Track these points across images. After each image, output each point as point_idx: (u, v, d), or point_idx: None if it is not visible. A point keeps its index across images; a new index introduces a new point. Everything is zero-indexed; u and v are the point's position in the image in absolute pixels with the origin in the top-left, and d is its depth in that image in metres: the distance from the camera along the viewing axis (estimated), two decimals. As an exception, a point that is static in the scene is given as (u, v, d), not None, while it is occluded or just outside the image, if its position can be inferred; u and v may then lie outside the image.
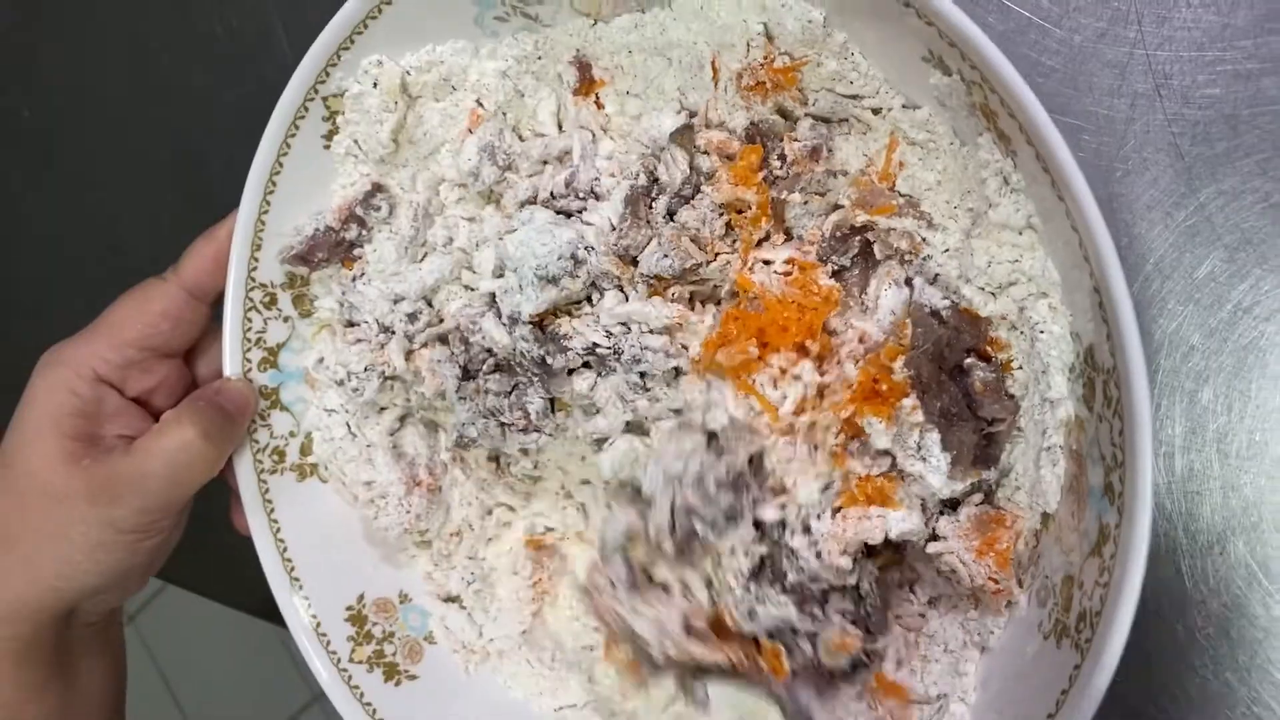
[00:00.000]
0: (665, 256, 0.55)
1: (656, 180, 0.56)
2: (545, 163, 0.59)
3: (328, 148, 0.60)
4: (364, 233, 0.61)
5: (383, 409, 0.64)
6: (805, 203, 0.56)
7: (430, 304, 0.61)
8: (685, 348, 0.56)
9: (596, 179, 0.57)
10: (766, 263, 0.56)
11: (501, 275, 0.58)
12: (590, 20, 0.58)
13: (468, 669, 0.65)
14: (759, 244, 0.56)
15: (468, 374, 0.60)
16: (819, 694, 0.56)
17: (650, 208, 0.56)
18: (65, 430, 0.57)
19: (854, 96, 0.55)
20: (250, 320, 0.61)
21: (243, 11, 0.75)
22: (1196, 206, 0.55)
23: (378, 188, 0.61)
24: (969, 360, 0.54)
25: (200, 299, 0.61)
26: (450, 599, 0.65)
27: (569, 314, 0.58)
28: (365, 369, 0.61)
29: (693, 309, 0.57)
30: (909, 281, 0.54)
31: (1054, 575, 0.51)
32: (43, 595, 0.56)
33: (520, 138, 0.60)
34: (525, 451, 0.63)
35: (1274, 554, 0.55)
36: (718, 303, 0.58)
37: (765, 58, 0.55)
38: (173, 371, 0.62)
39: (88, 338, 0.59)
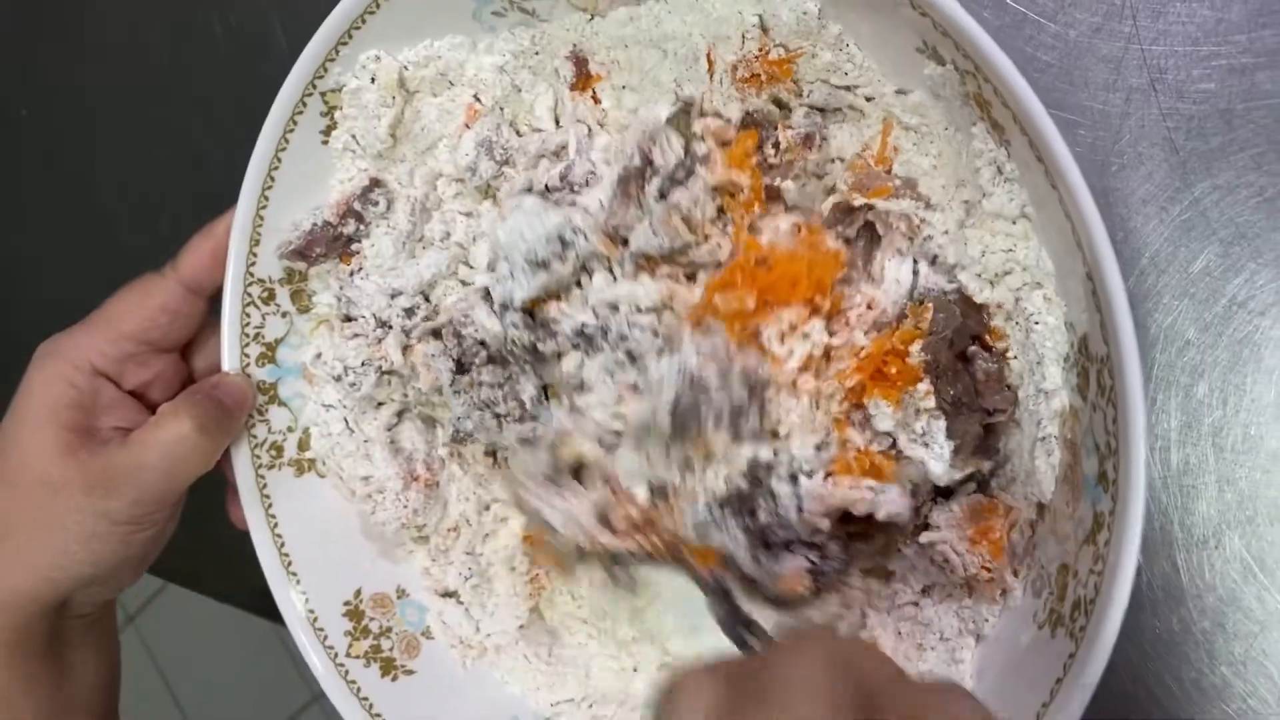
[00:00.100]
0: (655, 235, 0.56)
1: (651, 163, 0.56)
2: (542, 157, 0.59)
3: (326, 143, 0.60)
4: (362, 228, 0.61)
5: (380, 404, 0.64)
6: (804, 186, 0.56)
7: (428, 299, 0.62)
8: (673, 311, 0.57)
9: (592, 172, 0.57)
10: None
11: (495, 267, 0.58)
12: (587, 15, 0.58)
13: (465, 664, 0.65)
14: (762, 216, 0.57)
15: (461, 368, 0.60)
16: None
17: (643, 189, 0.56)
18: (62, 422, 0.57)
19: (849, 88, 0.55)
20: (248, 315, 0.61)
21: (241, 9, 0.75)
22: (1191, 201, 0.55)
23: (375, 183, 0.61)
24: (972, 349, 0.54)
25: (198, 294, 0.61)
26: (447, 594, 0.65)
27: (558, 299, 0.58)
28: (362, 364, 0.61)
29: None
30: (915, 265, 0.55)
31: (1049, 565, 0.51)
32: (36, 585, 0.56)
33: (518, 133, 0.61)
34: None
35: (1269, 548, 0.55)
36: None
37: (760, 50, 0.55)
38: (169, 366, 0.62)
39: (85, 330, 0.59)
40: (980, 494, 0.55)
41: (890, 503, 0.54)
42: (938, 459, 0.52)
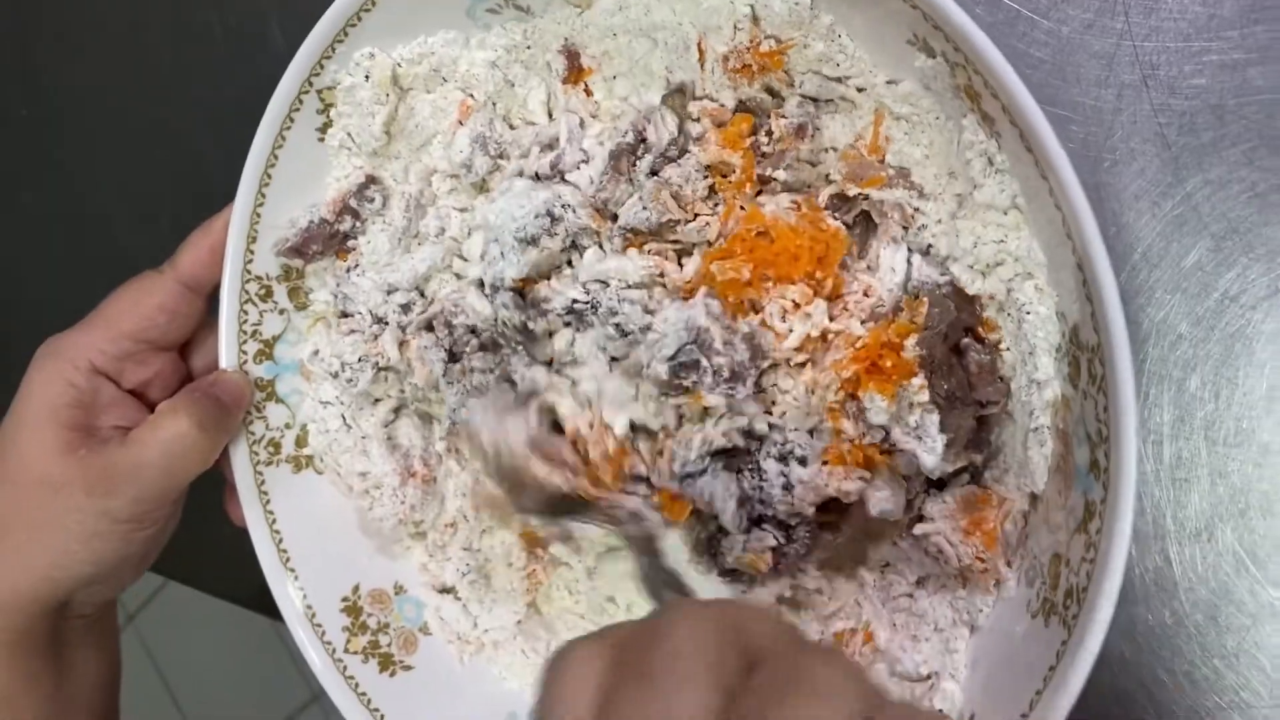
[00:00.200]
0: (644, 209, 0.56)
1: (644, 139, 0.57)
2: (535, 148, 0.59)
3: (322, 140, 0.61)
4: (358, 224, 0.62)
5: (377, 400, 0.65)
6: (797, 175, 0.56)
7: (423, 294, 0.62)
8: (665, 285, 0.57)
9: (584, 160, 0.58)
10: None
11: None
12: (578, 9, 0.58)
13: (462, 659, 0.65)
14: (758, 194, 0.57)
15: (453, 357, 0.61)
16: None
17: (634, 165, 0.57)
18: (62, 421, 0.57)
19: (840, 78, 0.56)
20: (246, 313, 0.61)
21: (240, 9, 0.75)
22: (1183, 196, 0.56)
23: (371, 180, 0.61)
24: (965, 341, 0.54)
25: (196, 292, 0.61)
26: (445, 590, 0.66)
27: (548, 279, 0.59)
28: (359, 360, 0.62)
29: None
30: (909, 255, 0.55)
31: (1042, 555, 0.51)
32: (37, 585, 0.57)
33: (511, 126, 0.61)
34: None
35: (1261, 541, 0.55)
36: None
37: (751, 41, 0.55)
38: (168, 364, 0.62)
39: (84, 330, 0.60)
40: (973, 485, 0.55)
41: (883, 500, 0.54)
42: (930, 452, 0.52)
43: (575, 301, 0.57)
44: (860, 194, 0.55)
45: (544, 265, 0.59)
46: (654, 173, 0.57)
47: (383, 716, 0.61)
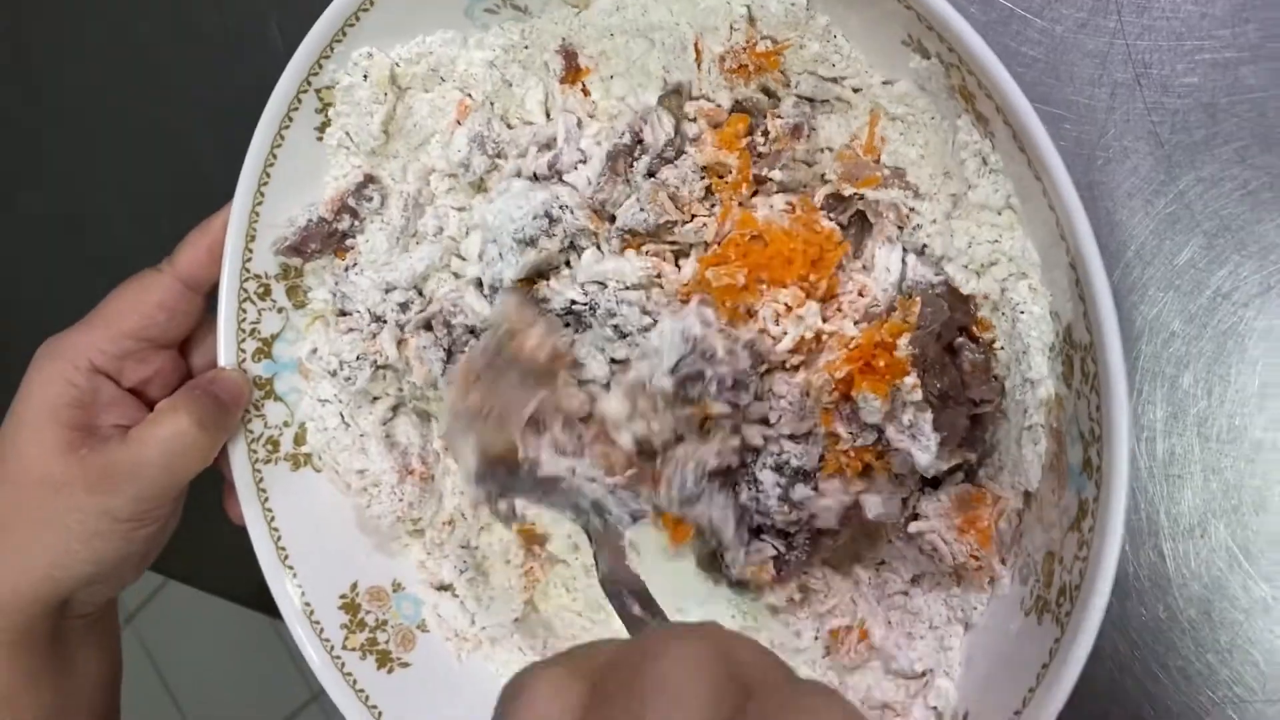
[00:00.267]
0: (642, 210, 0.56)
1: (640, 140, 0.57)
2: (533, 148, 0.60)
3: (320, 139, 0.61)
4: (356, 223, 0.62)
5: (375, 399, 0.65)
6: (793, 174, 0.56)
7: (421, 293, 0.62)
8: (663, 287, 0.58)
9: (581, 160, 0.58)
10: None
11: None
12: (575, 9, 0.58)
13: (460, 657, 0.65)
14: (753, 194, 0.57)
15: (452, 357, 0.61)
16: None
17: (631, 166, 0.57)
18: (62, 420, 0.57)
19: (836, 79, 0.56)
20: (244, 311, 0.62)
21: (239, 8, 0.75)
22: (1176, 194, 0.56)
23: (369, 179, 0.61)
24: (959, 340, 0.54)
25: (195, 290, 0.61)
26: (443, 587, 0.66)
27: (546, 279, 0.59)
28: (357, 358, 0.62)
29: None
30: (904, 255, 0.55)
31: (1036, 553, 0.52)
32: (39, 584, 0.57)
33: (509, 126, 0.61)
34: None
35: (1254, 537, 0.55)
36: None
37: (748, 41, 0.55)
38: (168, 362, 0.62)
39: (84, 329, 0.60)
40: (968, 483, 0.56)
41: (879, 504, 0.55)
42: (924, 451, 0.53)
43: (574, 302, 0.58)
44: (856, 194, 0.56)
45: (542, 266, 0.59)
46: (651, 174, 0.58)
47: (380, 713, 0.61)
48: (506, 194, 0.58)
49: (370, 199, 0.61)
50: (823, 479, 0.56)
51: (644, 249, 0.58)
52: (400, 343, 0.62)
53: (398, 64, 0.60)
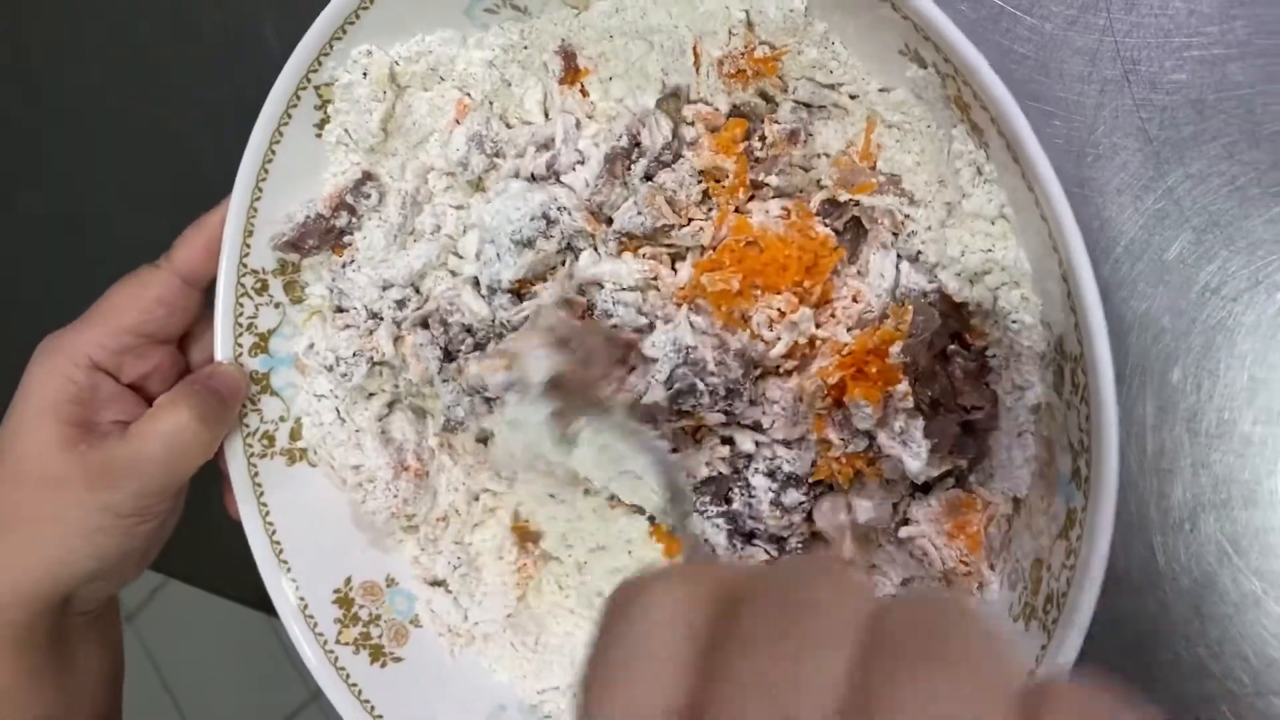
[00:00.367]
0: (639, 214, 0.57)
1: (638, 143, 0.57)
2: (531, 147, 0.60)
3: (319, 136, 0.61)
4: (354, 220, 0.62)
5: (371, 395, 0.65)
6: (790, 180, 0.57)
7: (419, 291, 0.63)
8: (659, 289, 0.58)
9: (579, 161, 0.58)
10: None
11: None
12: (575, 10, 0.59)
13: (453, 652, 0.65)
14: (750, 199, 0.58)
15: (449, 355, 0.61)
16: None
17: (629, 169, 0.57)
18: (62, 416, 0.58)
19: (833, 85, 0.56)
20: (242, 306, 0.62)
21: (239, 8, 0.76)
22: (1165, 190, 0.56)
23: (368, 176, 0.62)
24: (951, 348, 0.55)
25: (193, 285, 0.62)
26: (436, 583, 0.66)
27: (544, 280, 0.59)
28: (354, 354, 0.62)
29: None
30: (898, 262, 0.55)
31: (1024, 560, 0.52)
32: (40, 581, 0.57)
33: (508, 125, 0.62)
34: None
35: (1243, 530, 0.55)
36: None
37: (746, 46, 0.56)
38: (166, 358, 0.63)
39: (83, 325, 0.60)
40: (958, 489, 0.56)
41: (869, 509, 0.55)
42: (915, 457, 0.53)
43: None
44: (851, 200, 0.56)
45: (540, 267, 0.60)
46: (648, 177, 0.58)
47: (373, 707, 0.61)
48: (504, 195, 0.58)
49: (368, 196, 0.62)
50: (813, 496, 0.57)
51: (641, 252, 0.58)
52: (397, 340, 0.62)
53: (397, 62, 0.60)
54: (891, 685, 0.25)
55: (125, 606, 1.88)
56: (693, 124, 0.58)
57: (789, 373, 0.56)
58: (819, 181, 0.57)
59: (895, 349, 0.53)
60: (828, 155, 0.57)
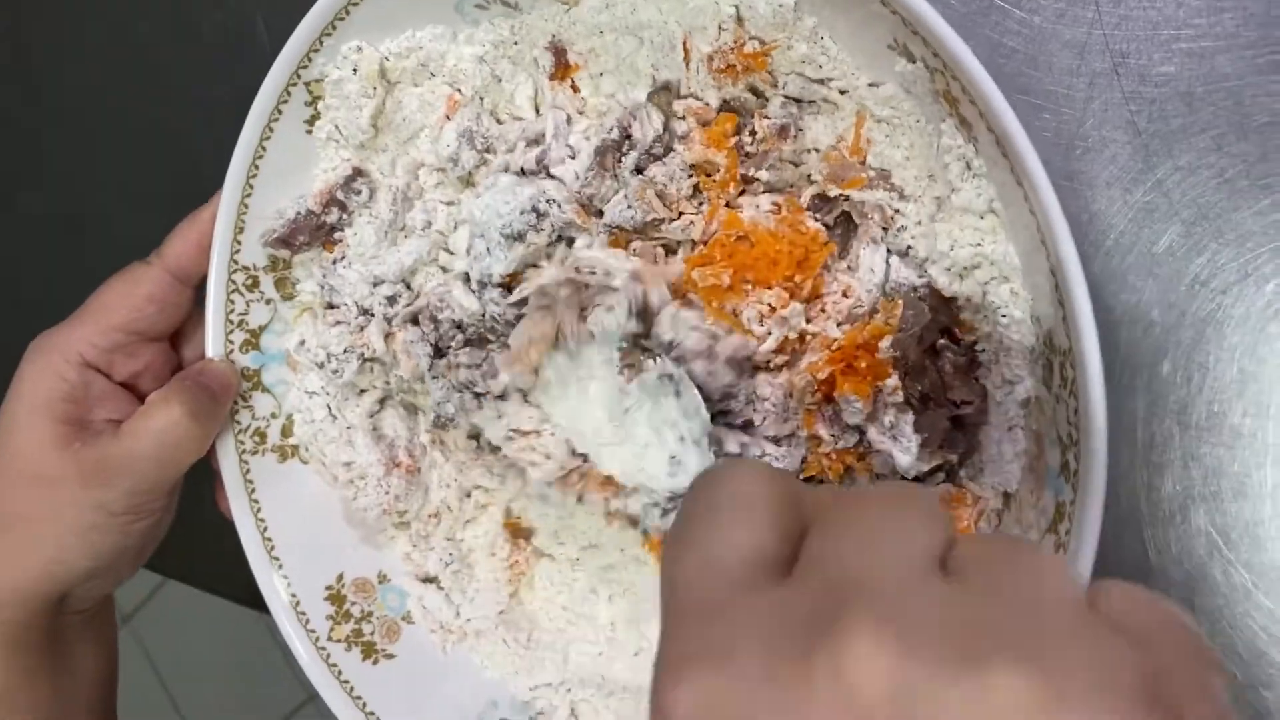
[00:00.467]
0: (629, 207, 0.57)
1: (629, 136, 0.57)
2: (522, 143, 0.60)
3: (310, 132, 0.61)
4: (345, 217, 0.62)
5: (363, 391, 0.65)
6: (780, 175, 0.57)
7: (409, 287, 0.63)
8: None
9: (570, 156, 0.58)
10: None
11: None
12: (565, 6, 0.59)
13: (445, 649, 0.65)
14: (740, 193, 0.58)
15: (439, 352, 0.61)
16: None
17: (619, 161, 0.57)
18: (55, 415, 0.58)
19: (823, 80, 0.56)
20: (233, 302, 0.62)
21: (240, 8, 0.76)
22: (1154, 183, 0.56)
23: (358, 172, 0.62)
24: (941, 342, 0.55)
25: (184, 282, 0.62)
26: (428, 579, 0.66)
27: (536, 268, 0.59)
28: (345, 351, 0.62)
29: (655, 264, 0.58)
30: (888, 258, 0.56)
31: None
32: (36, 580, 0.57)
33: (498, 121, 0.62)
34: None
35: (1233, 522, 0.55)
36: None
37: (736, 41, 0.56)
38: (159, 355, 0.63)
39: (74, 324, 0.60)
40: (949, 484, 0.56)
41: None
42: (905, 452, 0.53)
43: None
44: (841, 195, 0.56)
45: (531, 260, 0.60)
46: (639, 170, 0.58)
47: (365, 704, 0.61)
48: (493, 189, 0.58)
49: (359, 192, 0.62)
50: None
51: (631, 246, 0.58)
52: (387, 336, 0.62)
53: (387, 58, 0.60)
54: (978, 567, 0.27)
55: (123, 607, 1.88)
56: (683, 118, 0.58)
57: (779, 368, 0.56)
58: (809, 176, 0.57)
59: (885, 343, 0.53)
60: (818, 150, 0.57)
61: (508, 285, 0.59)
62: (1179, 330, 0.56)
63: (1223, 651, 0.55)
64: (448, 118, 0.61)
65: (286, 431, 0.64)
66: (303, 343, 0.63)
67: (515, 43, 0.60)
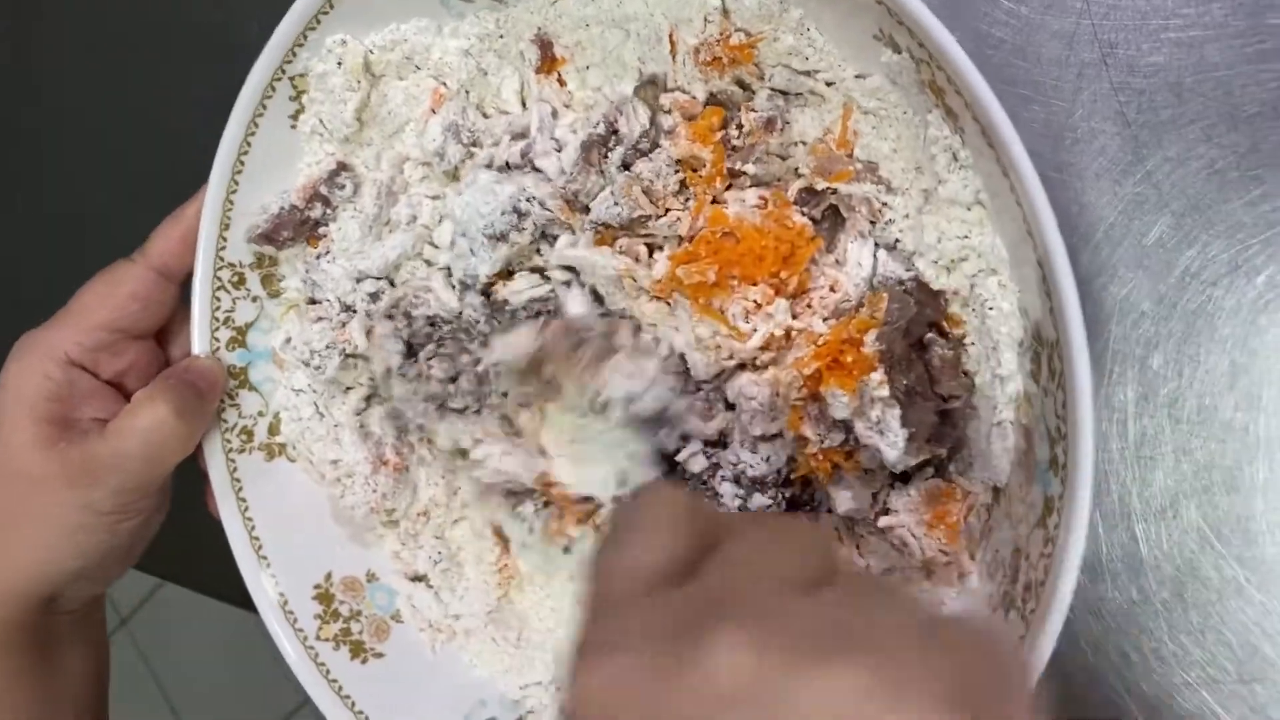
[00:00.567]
0: (615, 204, 0.56)
1: (615, 131, 0.57)
2: (507, 136, 0.60)
3: (294, 127, 0.61)
4: (329, 211, 0.62)
5: (349, 389, 0.65)
6: (767, 168, 0.57)
7: (393, 283, 0.62)
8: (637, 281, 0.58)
9: (557, 150, 0.58)
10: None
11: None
12: (550, -1, 0.59)
13: (434, 647, 0.65)
14: (728, 187, 0.57)
15: (411, 350, 0.61)
16: None
17: (605, 157, 0.57)
18: (40, 414, 0.57)
19: (809, 72, 0.56)
20: (219, 300, 0.62)
21: (239, 8, 0.75)
22: (1144, 174, 0.56)
23: (342, 166, 0.61)
24: (929, 336, 0.54)
25: (169, 279, 0.61)
26: (417, 578, 0.66)
27: (512, 274, 0.59)
28: (327, 347, 0.62)
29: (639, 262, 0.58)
30: (875, 252, 0.55)
31: (1004, 549, 0.51)
32: (24, 581, 0.57)
33: (484, 115, 0.61)
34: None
35: (1225, 517, 0.55)
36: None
37: (722, 34, 0.56)
38: (144, 353, 0.62)
39: (59, 322, 0.60)
40: (938, 478, 0.55)
41: (848, 499, 0.55)
42: (893, 446, 0.52)
43: (533, 301, 0.58)
44: (829, 188, 0.56)
45: (515, 259, 0.59)
46: (626, 166, 0.58)
47: (354, 703, 0.61)
48: (473, 187, 0.58)
49: (343, 187, 0.61)
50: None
51: (618, 243, 0.58)
52: (369, 332, 0.62)
53: (371, 51, 0.60)
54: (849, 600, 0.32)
55: (120, 609, 1.88)
56: (670, 112, 0.58)
57: (765, 366, 0.56)
58: (796, 170, 0.57)
59: (870, 337, 0.53)
60: (805, 143, 0.57)
61: (487, 292, 0.59)
62: (1169, 323, 0.56)
63: (1215, 646, 0.55)
64: (433, 111, 0.61)
65: (274, 430, 0.64)
66: (289, 340, 0.63)
67: (501, 36, 0.60)
